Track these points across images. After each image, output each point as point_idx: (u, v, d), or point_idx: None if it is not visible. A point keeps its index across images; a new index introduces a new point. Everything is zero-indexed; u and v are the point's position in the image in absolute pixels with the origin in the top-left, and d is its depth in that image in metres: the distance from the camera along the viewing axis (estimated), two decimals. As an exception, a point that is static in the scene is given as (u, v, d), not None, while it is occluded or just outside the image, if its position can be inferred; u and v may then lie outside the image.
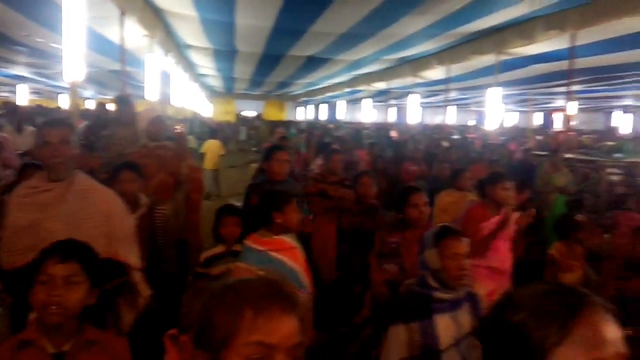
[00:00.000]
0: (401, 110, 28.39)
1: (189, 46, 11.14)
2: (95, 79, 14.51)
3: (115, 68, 10.54)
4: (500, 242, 3.64)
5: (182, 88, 13.93)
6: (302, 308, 0.97)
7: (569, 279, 3.76)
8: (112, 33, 7.67)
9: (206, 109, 26.69)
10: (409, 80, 12.82)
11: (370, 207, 3.93)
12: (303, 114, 30.03)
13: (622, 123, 18.70)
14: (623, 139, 13.59)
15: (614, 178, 7.79)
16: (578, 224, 4.19)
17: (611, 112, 25.13)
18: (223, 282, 1.01)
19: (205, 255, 3.28)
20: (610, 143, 12.98)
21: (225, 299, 0.94)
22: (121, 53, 7.08)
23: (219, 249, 3.29)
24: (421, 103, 19.70)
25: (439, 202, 4.79)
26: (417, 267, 2.33)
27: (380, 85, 15.38)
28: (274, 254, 2.71)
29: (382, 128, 17.04)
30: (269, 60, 12.35)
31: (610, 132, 20.84)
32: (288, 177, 3.83)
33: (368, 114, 17.34)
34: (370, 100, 16.70)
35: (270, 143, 8.74)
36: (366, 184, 3.94)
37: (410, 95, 13.62)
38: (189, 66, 14.60)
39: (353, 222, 3.83)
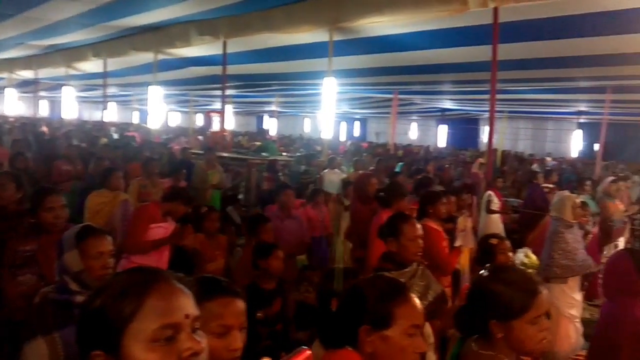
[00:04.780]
0: (55, 104, 25.68)
1: None
2: None
3: None
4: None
5: None
6: None
7: (211, 267, 4.10)
8: None
9: None
10: (61, 70, 11.78)
11: (11, 214, 3.35)
12: None
13: (270, 126, 21.40)
14: (269, 140, 15.59)
15: (264, 174, 8.77)
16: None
17: (262, 116, 28.66)
18: None
19: None
20: (258, 143, 14.74)
21: None
22: None
23: None
24: (79, 97, 18.18)
25: (89, 203, 4.60)
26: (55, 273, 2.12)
27: (27, 74, 13.65)
28: None
29: (29, 123, 14.96)
30: None
31: (262, 133, 23.71)
32: None
33: (12, 105, 14.92)
34: (15, 90, 14.44)
35: None
36: None
37: (64, 88, 12.39)
38: None
39: None
